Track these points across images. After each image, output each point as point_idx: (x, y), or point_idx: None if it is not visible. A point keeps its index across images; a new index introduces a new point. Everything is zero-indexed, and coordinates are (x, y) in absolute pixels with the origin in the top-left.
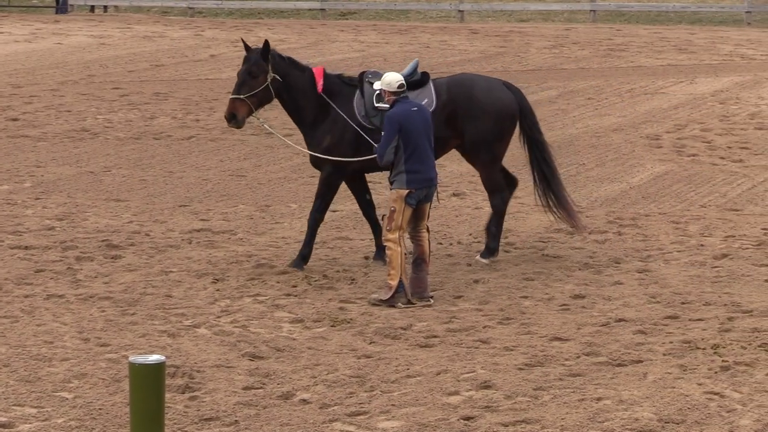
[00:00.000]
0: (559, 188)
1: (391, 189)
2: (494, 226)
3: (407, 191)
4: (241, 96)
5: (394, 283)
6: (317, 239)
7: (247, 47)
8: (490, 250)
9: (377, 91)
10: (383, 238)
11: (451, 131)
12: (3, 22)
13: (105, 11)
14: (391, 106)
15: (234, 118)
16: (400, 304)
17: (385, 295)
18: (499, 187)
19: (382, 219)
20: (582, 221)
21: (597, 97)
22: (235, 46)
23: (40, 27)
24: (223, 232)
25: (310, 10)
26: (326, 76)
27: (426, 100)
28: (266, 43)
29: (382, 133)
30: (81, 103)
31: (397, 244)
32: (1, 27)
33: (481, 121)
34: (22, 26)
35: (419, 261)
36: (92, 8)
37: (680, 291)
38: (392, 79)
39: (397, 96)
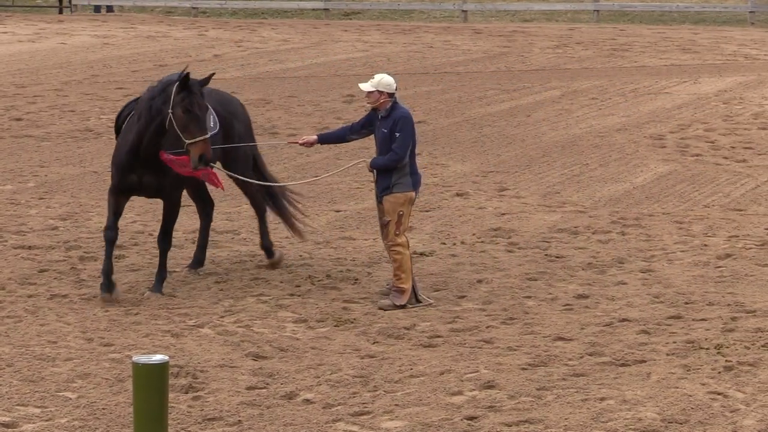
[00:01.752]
0: (279, 197)
1: (390, 194)
2: (265, 234)
3: (413, 193)
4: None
5: (407, 286)
6: (321, 238)
7: (187, 79)
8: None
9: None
10: (391, 243)
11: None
12: (7, 21)
13: (109, 11)
14: (391, 108)
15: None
16: (408, 304)
17: (400, 300)
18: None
19: (387, 225)
20: (301, 228)
21: (600, 97)
22: (239, 46)
23: (44, 27)
24: (226, 232)
25: (313, 10)
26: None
27: (212, 117)
28: (188, 75)
29: (397, 134)
30: (85, 103)
31: (406, 248)
32: (5, 27)
33: (244, 137)
34: (26, 26)
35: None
36: (97, 8)
37: (684, 291)
38: (390, 80)
39: (392, 98)
